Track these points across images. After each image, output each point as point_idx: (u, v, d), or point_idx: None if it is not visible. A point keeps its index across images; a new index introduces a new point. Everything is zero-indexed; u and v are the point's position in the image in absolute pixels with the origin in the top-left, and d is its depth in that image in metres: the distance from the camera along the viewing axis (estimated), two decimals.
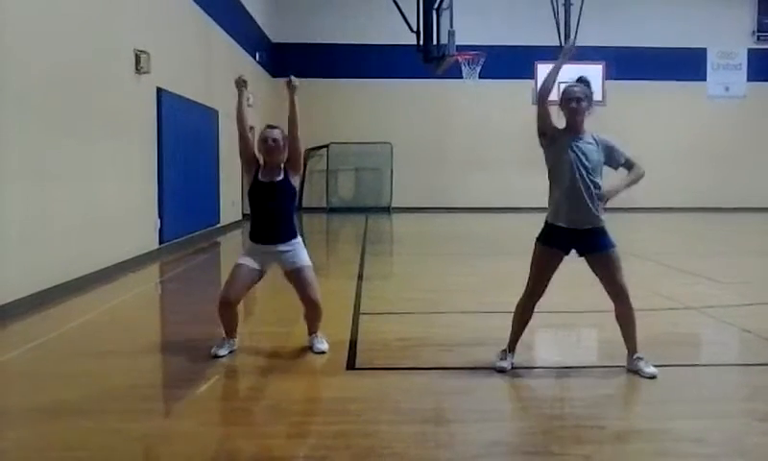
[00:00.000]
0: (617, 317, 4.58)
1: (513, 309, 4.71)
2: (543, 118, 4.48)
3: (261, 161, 4.99)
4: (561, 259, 4.51)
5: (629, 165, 4.66)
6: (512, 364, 4.62)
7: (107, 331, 6.01)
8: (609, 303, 4.63)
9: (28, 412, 3.99)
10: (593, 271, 4.55)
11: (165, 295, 8.41)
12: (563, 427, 3.71)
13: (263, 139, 4.93)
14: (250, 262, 4.94)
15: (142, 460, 3.49)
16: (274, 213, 4.95)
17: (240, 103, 5.14)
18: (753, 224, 17.55)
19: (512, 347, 4.69)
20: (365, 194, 22.03)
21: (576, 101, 4.43)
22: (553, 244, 4.50)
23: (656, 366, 4.50)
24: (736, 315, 6.40)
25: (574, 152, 4.41)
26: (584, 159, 4.41)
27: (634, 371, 4.49)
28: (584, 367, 4.94)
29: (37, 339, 5.56)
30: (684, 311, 6.67)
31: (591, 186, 4.42)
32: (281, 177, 4.95)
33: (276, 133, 4.94)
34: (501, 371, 4.54)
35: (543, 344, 5.63)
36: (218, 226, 13.60)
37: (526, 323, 4.70)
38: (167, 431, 3.76)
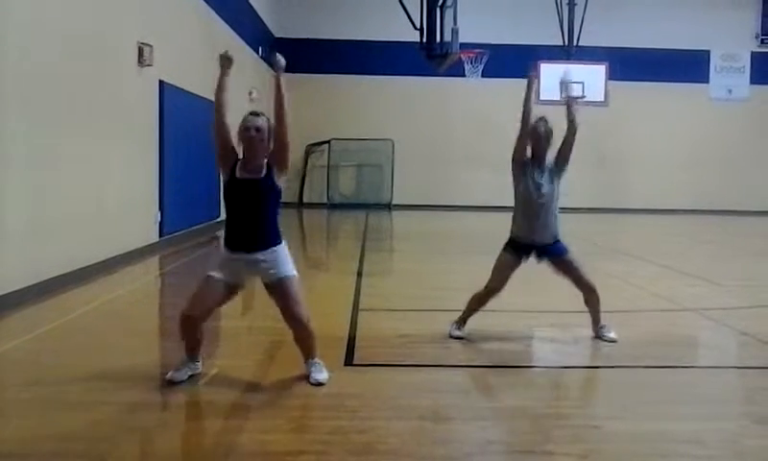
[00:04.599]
0: (586, 302, 5.38)
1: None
2: (523, 144, 5.24)
3: (240, 155, 4.27)
4: (519, 264, 5.34)
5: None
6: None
7: (106, 323, 6.02)
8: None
9: (26, 402, 4.00)
10: (560, 274, 5.38)
11: (165, 288, 8.42)
12: (559, 427, 3.71)
13: (244, 128, 4.21)
14: (222, 275, 4.24)
15: (140, 452, 3.49)
16: (253, 217, 4.22)
17: (221, 81, 4.40)
18: (753, 226, 17.55)
19: (465, 321, 5.46)
20: (366, 191, 22.03)
21: (545, 139, 5.22)
22: (515, 251, 5.33)
23: (654, 367, 4.51)
24: (735, 317, 6.40)
25: (535, 180, 5.18)
26: (542, 187, 5.17)
27: (598, 337, 5.37)
28: (580, 367, 4.96)
29: (37, 329, 5.56)
30: (682, 313, 6.68)
31: (548, 211, 5.20)
32: (263, 174, 4.21)
33: (261, 122, 4.22)
34: (459, 339, 5.32)
35: (540, 344, 5.64)
36: (218, 219, 13.61)
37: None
38: (165, 424, 3.77)
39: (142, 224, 9.86)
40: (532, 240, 5.25)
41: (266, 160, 4.24)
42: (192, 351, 4.34)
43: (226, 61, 4.45)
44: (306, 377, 4.30)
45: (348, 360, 4.82)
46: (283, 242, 4.33)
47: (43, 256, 6.86)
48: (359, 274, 8.65)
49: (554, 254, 5.30)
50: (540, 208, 5.18)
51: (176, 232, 11.11)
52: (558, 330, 5.75)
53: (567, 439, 3.53)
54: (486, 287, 5.36)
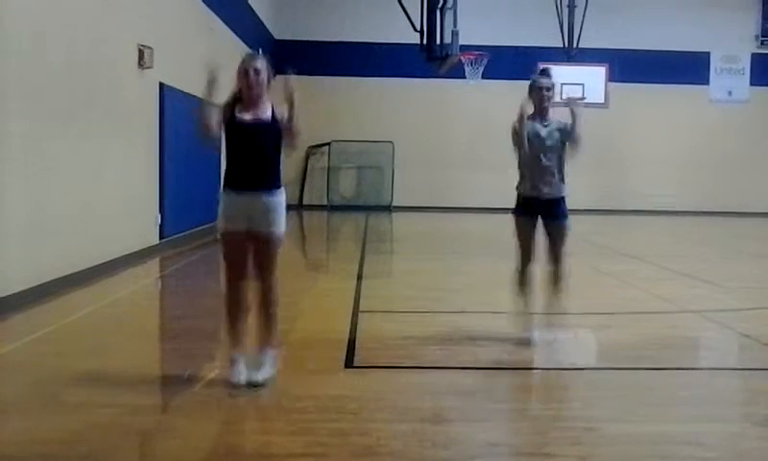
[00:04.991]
0: (551, 284, 5.26)
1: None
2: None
3: (239, 95, 4.21)
4: (535, 225, 5.21)
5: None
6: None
7: (106, 325, 6.02)
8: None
9: (27, 405, 4.00)
10: (546, 235, 5.26)
11: (165, 290, 8.42)
12: (559, 429, 3.71)
13: (244, 71, 4.14)
14: (237, 225, 4.20)
15: (140, 455, 3.50)
16: (256, 157, 4.19)
17: (206, 116, 4.13)
18: (754, 228, 17.54)
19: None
20: (366, 192, 22.01)
21: (546, 89, 5.20)
22: (524, 213, 5.24)
23: (654, 369, 4.52)
24: (736, 319, 6.40)
25: (538, 132, 5.15)
26: (545, 140, 5.13)
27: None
28: (580, 369, 4.96)
29: (37, 332, 5.56)
30: (682, 314, 6.67)
31: (551, 159, 5.14)
32: (268, 116, 4.18)
33: (260, 63, 4.17)
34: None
35: (541, 345, 5.63)
36: None
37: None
38: (165, 426, 3.77)
39: (142, 226, 9.86)
40: (537, 193, 5.17)
41: (271, 106, 4.19)
42: (239, 338, 4.33)
43: (212, 82, 4.17)
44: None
45: (349, 362, 4.81)
46: (283, 187, 4.28)
47: (44, 258, 6.86)
48: (359, 276, 8.64)
49: (556, 214, 5.20)
50: (543, 154, 5.12)
51: (176, 235, 11.10)
52: (558, 332, 5.74)
53: (567, 441, 3.52)
54: (518, 270, 5.32)
